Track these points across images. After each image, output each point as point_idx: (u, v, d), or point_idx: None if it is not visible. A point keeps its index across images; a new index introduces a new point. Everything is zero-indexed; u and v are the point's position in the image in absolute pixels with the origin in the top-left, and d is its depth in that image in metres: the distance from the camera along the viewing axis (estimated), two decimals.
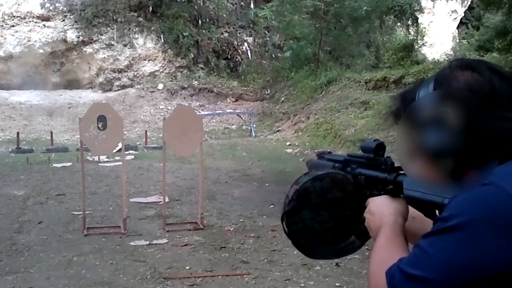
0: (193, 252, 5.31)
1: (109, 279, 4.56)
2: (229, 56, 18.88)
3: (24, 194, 7.65)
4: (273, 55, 18.87)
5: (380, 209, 1.10)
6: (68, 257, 5.04)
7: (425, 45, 19.05)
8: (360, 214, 1.17)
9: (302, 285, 4.43)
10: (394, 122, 1.04)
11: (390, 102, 1.09)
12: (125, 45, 17.80)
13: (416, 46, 17.29)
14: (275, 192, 8.27)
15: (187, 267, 4.87)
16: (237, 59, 18.95)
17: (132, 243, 5.52)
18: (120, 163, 10.46)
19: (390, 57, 15.93)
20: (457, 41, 23.46)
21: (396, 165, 1.13)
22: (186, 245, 5.51)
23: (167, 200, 7.27)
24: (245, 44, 19.09)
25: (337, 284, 4.45)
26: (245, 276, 4.65)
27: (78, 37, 17.66)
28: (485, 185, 0.85)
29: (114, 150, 7.44)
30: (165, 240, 5.65)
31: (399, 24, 20.21)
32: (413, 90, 1.02)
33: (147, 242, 5.55)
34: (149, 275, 4.65)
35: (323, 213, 1.20)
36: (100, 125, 5.74)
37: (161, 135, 15.11)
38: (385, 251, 1.01)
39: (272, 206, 7.30)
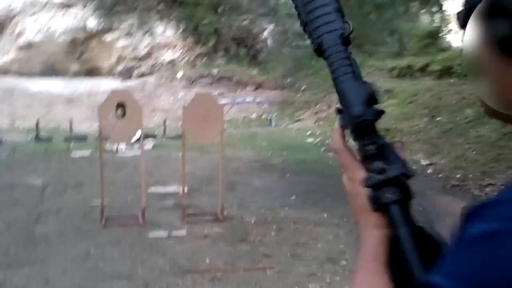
0: (213, 244, 5.14)
1: (127, 272, 4.41)
2: (249, 44, 18.61)
3: (42, 183, 7.57)
4: (294, 43, 18.52)
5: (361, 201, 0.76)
6: (85, 249, 4.90)
7: (450, 33, 18.48)
8: None
9: (328, 281, 4.21)
10: (461, 26, 0.74)
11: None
12: (144, 33, 17.64)
13: (441, 34, 16.76)
14: (297, 182, 8.06)
15: (207, 260, 4.69)
16: (257, 47, 18.67)
17: (151, 235, 5.37)
18: (139, 153, 10.37)
19: (415, 45, 15.49)
20: None
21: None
22: (206, 237, 5.34)
23: (186, 190, 7.11)
24: (266, 32, 18.79)
25: None
26: (267, 270, 4.46)
27: (98, 25, 17.56)
28: None
29: (133, 140, 7.27)
30: (184, 232, 5.49)
31: (423, 11, 19.66)
32: None
33: (166, 234, 5.40)
34: (169, 268, 4.49)
35: None
36: (119, 113, 5.59)
37: (180, 124, 15.03)
38: (369, 278, 0.76)
39: (294, 197, 7.09)
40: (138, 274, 4.37)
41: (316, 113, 14.57)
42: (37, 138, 11.68)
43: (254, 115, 15.56)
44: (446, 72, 12.06)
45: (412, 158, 9.83)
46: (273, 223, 5.83)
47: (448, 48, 15.30)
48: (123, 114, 5.61)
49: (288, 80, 16.87)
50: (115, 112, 5.59)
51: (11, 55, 17.32)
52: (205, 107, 5.85)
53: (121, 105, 5.63)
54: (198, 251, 4.92)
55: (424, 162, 9.45)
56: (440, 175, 8.42)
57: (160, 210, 6.34)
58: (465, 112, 10.17)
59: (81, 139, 11.63)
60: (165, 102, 15.73)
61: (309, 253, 4.88)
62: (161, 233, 5.42)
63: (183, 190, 6.06)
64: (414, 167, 9.06)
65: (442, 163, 9.07)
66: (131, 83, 16.76)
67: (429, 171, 8.78)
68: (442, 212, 6.28)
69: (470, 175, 8.08)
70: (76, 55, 17.75)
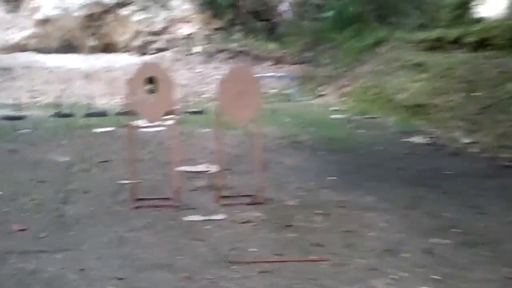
0: (255, 230, 4.72)
1: (167, 260, 4.02)
2: (267, 18, 17.95)
3: (67, 160, 7.24)
4: (314, 16, 17.84)
5: None
6: (119, 233, 4.52)
7: (479, 3, 17.66)
8: None
9: (394, 277, 3.76)
10: None
11: None
12: (161, 7, 17.07)
13: (472, 4, 15.97)
14: (331, 161, 7.63)
15: (253, 249, 4.28)
16: (275, 21, 18.01)
17: (186, 218, 4.97)
18: (162, 128, 9.94)
19: (445, 16, 14.77)
20: None
21: None
22: (246, 222, 4.93)
23: (218, 169, 6.68)
24: (284, 4, 18.09)
25: (434, 276, 3.77)
26: (322, 262, 4.04)
27: None
28: None
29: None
30: (222, 216, 5.08)
31: None
32: None
33: (203, 218, 4.99)
34: (212, 257, 4.09)
35: None
36: (149, 88, 5.15)
37: (197, 99, 14.59)
38: None
39: (331, 177, 6.66)
40: (179, 264, 3.97)
41: (339, 88, 14.02)
42: (58, 113, 11.48)
43: (274, 90, 15.02)
44: (481, 44, 11.44)
45: (451, 136, 9.34)
46: (316, 207, 5.40)
47: (480, 19, 14.58)
48: (154, 90, 5.16)
49: (308, 54, 16.26)
50: (145, 87, 5.14)
51: (28, 31, 16.94)
52: (241, 81, 5.39)
53: (151, 80, 5.18)
54: (240, 238, 4.52)
55: (464, 140, 8.93)
56: (485, 155, 7.92)
57: (192, 191, 5.93)
58: (506, 87, 9.59)
59: (101, 115, 11.35)
60: (183, 77, 15.22)
61: (363, 243, 4.43)
62: (197, 217, 5.01)
63: (222, 170, 5.65)
64: (454, 145, 8.58)
65: (484, 141, 8.55)
66: (148, 58, 16.26)
67: (472, 150, 8.28)
68: None
69: None
70: (92, 30, 17.25)
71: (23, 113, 11.45)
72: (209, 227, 4.77)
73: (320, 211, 5.26)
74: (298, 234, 4.64)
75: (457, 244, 4.38)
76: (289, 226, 4.84)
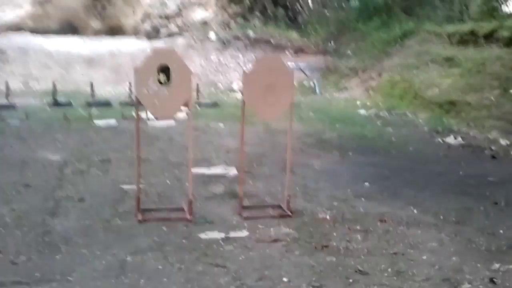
0: (286, 252, 3.90)
1: None
2: (288, 4, 16.99)
3: (61, 159, 6.31)
4: (337, 4, 16.84)
5: None
6: (120, 257, 3.69)
7: None
8: None
9: None
10: None
11: None
12: None
13: None
14: (364, 164, 6.78)
15: (285, 279, 3.46)
16: (296, 8, 17.04)
17: (202, 236, 4.14)
18: (173, 123, 9.10)
19: (479, 8, 13.76)
20: None
21: None
22: (275, 241, 4.10)
23: (235, 172, 5.86)
24: None
25: None
26: None
27: None
28: None
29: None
30: (245, 233, 4.26)
31: None
32: None
33: (223, 235, 4.17)
34: None
35: None
36: (161, 78, 4.31)
37: (213, 89, 13.73)
38: None
39: (366, 183, 5.82)
40: None
41: (365, 81, 13.10)
42: (54, 102, 10.38)
43: (294, 82, 14.09)
44: None
45: (487, 137, 8.48)
46: (354, 222, 4.57)
47: None
48: (167, 81, 4.32)
49: (331, 44, 15.29)
50: (156, 76, 4.30)
51: (24, 10, 15.89)
52: (271, 73, 4.55)
53: (164, 69, 4.33)
54: (269, 262, 3.69)
55: (503, 141, 8.10)
56: None
57: (208, 200, 5.09)
58: None
59: (105, 105, 10.36)
60: (196, 66, 14.32)
61: (415, 270, 3.64)
62: (216, 234, 4.19)
63: (241, 176, 4.80)
64: (493, 147, 7.69)
65: None
66: (158, 43, 15.33)
67: None
68: None
69: None
70: (97, 11, 16.29)
71: (13, 101, 10.28)
72: (230, 247, 3.95)
73: (359, 227, 4.44)
74: (336, 257, 3.82)
75: None
76: (326, 247, 4.02)
